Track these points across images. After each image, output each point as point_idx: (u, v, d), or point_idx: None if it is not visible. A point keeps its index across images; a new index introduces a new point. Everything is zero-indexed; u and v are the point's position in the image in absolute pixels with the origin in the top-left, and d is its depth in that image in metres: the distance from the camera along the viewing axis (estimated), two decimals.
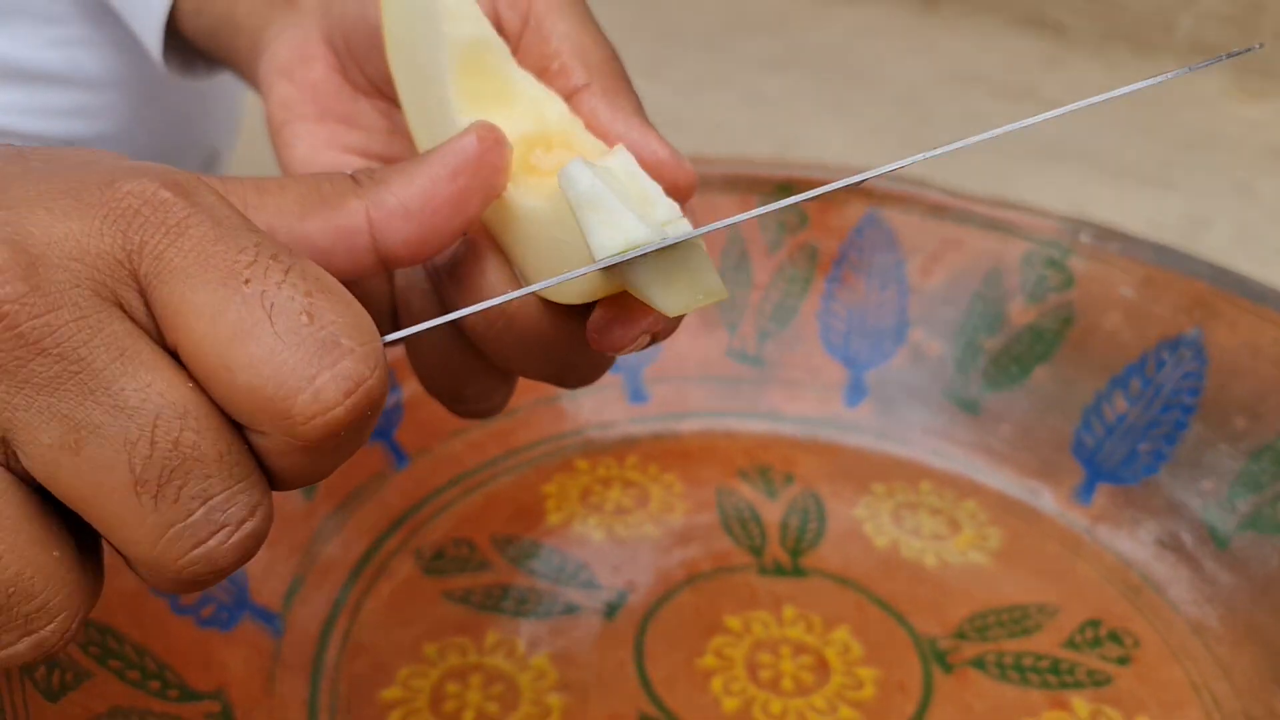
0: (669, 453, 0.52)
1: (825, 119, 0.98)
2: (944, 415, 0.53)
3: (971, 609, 0.45)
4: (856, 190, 0.54)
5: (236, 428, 0.23)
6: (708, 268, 0.26)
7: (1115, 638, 0.44)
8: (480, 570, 0.46)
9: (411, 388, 0.50)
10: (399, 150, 0.34)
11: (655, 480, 0.51)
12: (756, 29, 1.16)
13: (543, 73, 0.31)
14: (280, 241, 0.23)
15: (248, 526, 0.23)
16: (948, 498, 0.50)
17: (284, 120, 0.34)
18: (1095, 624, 0.44)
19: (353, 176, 0.27)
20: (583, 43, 0.31)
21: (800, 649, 0.43)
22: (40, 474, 0.22)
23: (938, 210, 0.54)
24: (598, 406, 0.53)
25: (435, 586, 0.45)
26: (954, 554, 0.47)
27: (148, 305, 0.22)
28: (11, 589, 0.21)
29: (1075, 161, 0.89)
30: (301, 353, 0.22)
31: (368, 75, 0.34)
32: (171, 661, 0.38)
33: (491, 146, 0.27)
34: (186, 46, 0.46)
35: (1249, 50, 0.27)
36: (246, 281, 0.22)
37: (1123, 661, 0.43)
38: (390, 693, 0.41)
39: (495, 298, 0.26)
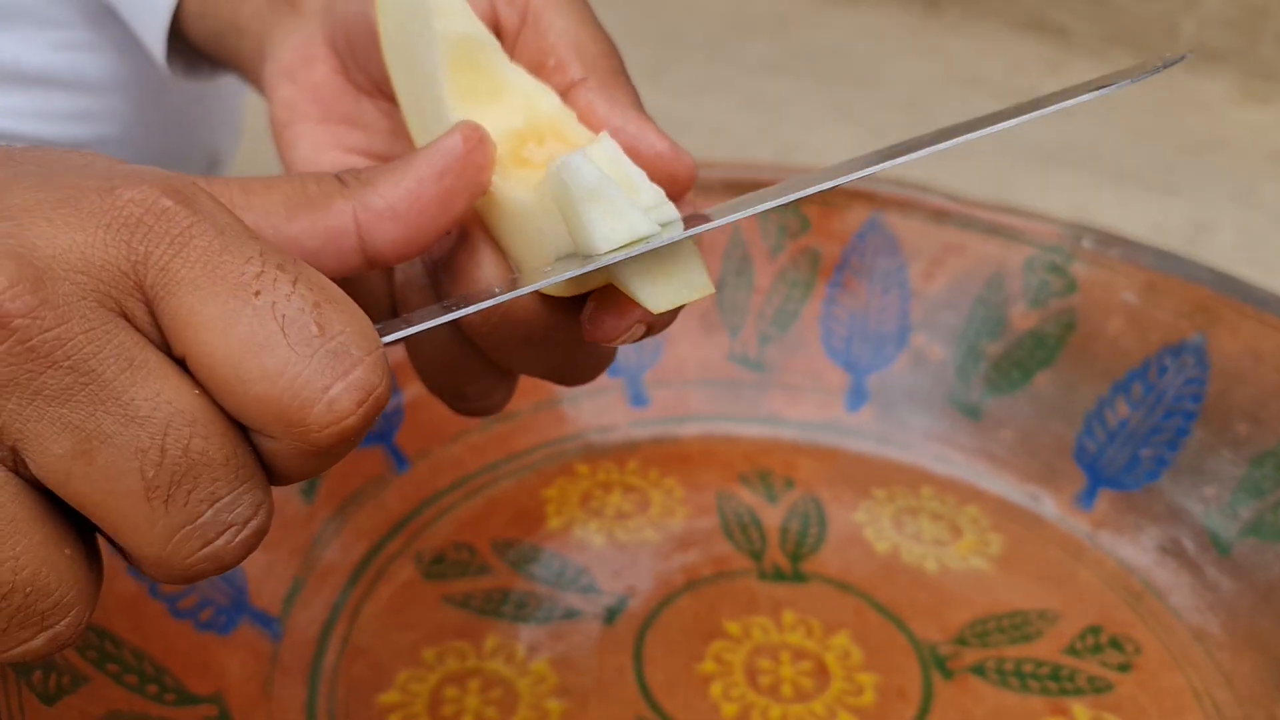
0: (669, 457, 0.52)
1: (826, 123, 0.98)
2: (945, 420, 0.53)
3: (972, 615, 0.45)
4: (859, 195, 0.54)
5: (241, 429, 0.23)
6: (695, 263, 0.26)
7: (1116, 644, 0.44)
8: (480, 574, 0.46)
9: (412, 392, 0.50)
10: (401, 150, 0.35)
11: (656, 485, 0.51)
12: (757, 32, 1.16)
13: (540, 68, 0.31)
14: (280, 248, 0.23)
15: (253, 524, 0.24)
16: (949, 503, 0.50)
17: (287, 121, 0.35)
18: (1096, 630, 0.44)
19: (339, 177, 0.27)
20: (580, 38, 0.31)
21: (800, 654, 0.42)
22: (51, 481, 0.22)
23: (940, 215, 0.54)
24: (598, 410, 0.53)
25: (435, 590, 0.45)
26: (955, 559, 0.47)
27: (153, 314, 0.23)
28: (29, 588, 0.22)
29: (1078, 166, 0.89)
30: (315, 365, 0.22)
31: (369, 75, 0.34)
32: (170, 665, 0.38)
33: (476, 145, 0.28)
34: (190, 49, 0.46)
35: (1180, 59, 0.27)
36: (257, 294, 0.22)
37: (1124, 668, 0.43)
38: (389, 697, 0.41)
39: (488, 293, 0.26)
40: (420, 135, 0.32)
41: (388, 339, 0.25)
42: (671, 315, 0.29)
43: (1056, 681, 0.42)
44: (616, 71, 0.31)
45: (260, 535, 0.24)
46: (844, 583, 0.46)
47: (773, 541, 0.48)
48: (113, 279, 0.22)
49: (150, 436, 0.22)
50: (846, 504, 0.50)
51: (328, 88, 0.35)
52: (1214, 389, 0.47)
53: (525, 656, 0.42)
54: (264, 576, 0.43)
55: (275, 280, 0.22)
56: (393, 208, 0.27)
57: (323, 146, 0.34)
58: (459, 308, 0.26)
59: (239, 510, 0.23)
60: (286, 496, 0.45)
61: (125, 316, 0.22)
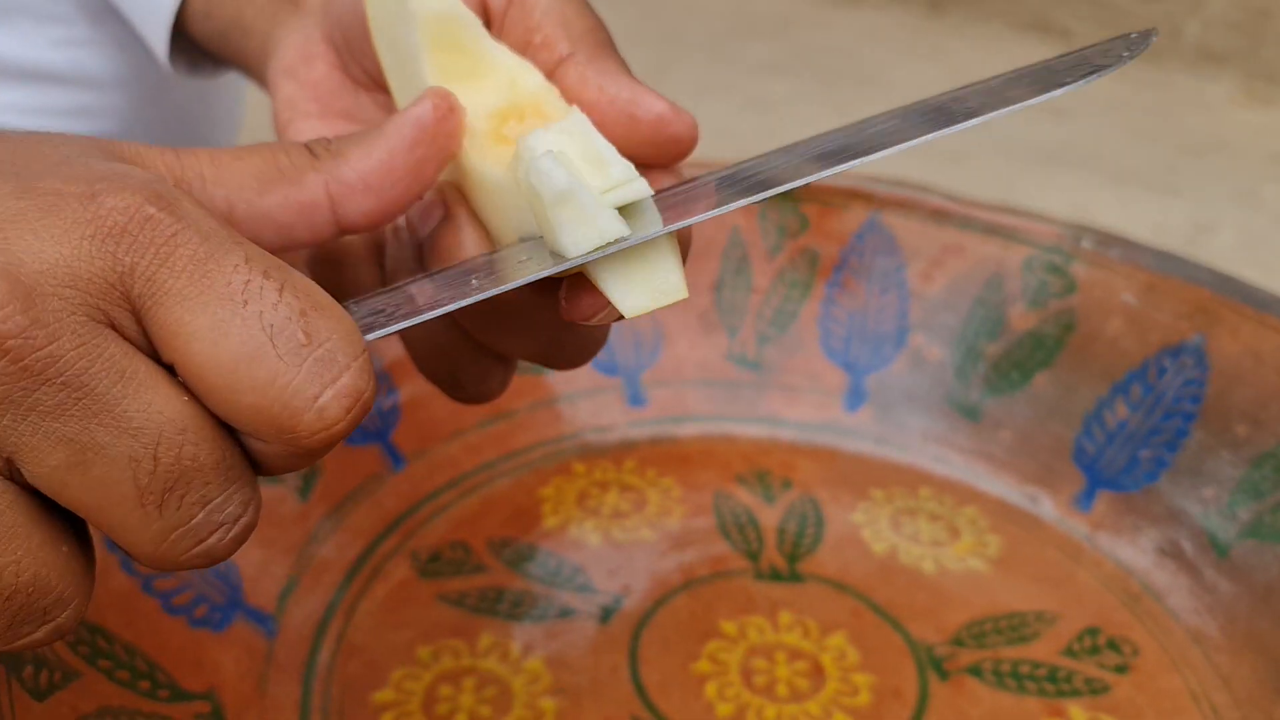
0: (667, 457, 0.52)
1: (829, 124, 0.98)
2: (944, 421, 0.52)
3: (969, 616, 0.44)
4: (858, 195, 0.54)
5: (230, 431, 0.24)
6: (670, 263, 0.26)
7: (1114, 646, 0.43)
8: (476, 573, 0.46)
9: (409, 391, 0.50)
10: None
11: (653, 484, 0.50)
12: (760, 34, 1.16)
13: (527, 46, 0.31)
14: (264, 252, 0.24)
15: (243, 521, 0.24)
16: (947, 504, 0.50)
17: (289, 119, 0.35)
18: (1094, 632, 0.44)
19: (309, 148, 0.28)
20: (565, 14, 0.31)
21: (796, 655, 0.42)
22: (47, 488, 0.23)
23: (939, 215, 0.53)
24: (596, 410, 0.53)
25: (430, 589, 0.45)
26: (953, 560, 0.47)
27: (140, 323, 0.23)
28: (30, 589, 0.23)
29: (1080, 167, 0.89)
30: (304, 374, 0.22)
31: (366, 69, 0.35)
32: (162, 661, 0.38)
33: (446, 114, 0.28)
34: (193, 48, 0.46)
35: (1149, 34, 0.27)
36: (244, 304, 0.22)
37: (1121, 670, 0.42)
38: (383, 695, 0.40)
39: (466, 287, 0.26)
40: None
41: (370, 337, 0.25)
42: None
43: (1054, 683, 0.42)
44: (603, 44, 0.31)
45: (250, 529, 0.24)
46: (841, 583, 0.46)
47: (770, 542, 0.48)
48: (100, 291, 0.22)
49: (143, 446, 0.22)
50: (844, 504, 0.50)
51: (326, 84, 0.35)
52: (1213, 390, 0.47)
53: (520, 655, 0.42)
54: (259, 574, 0.43)
55: (262, 289, 0.22)
56: (365, 180, 0.27)
57: None
58: (441, 304, 0.25)
59: (230, 509, 0.24)
60: (282, 495, 0.45)
61: (114, 327, 0.22)
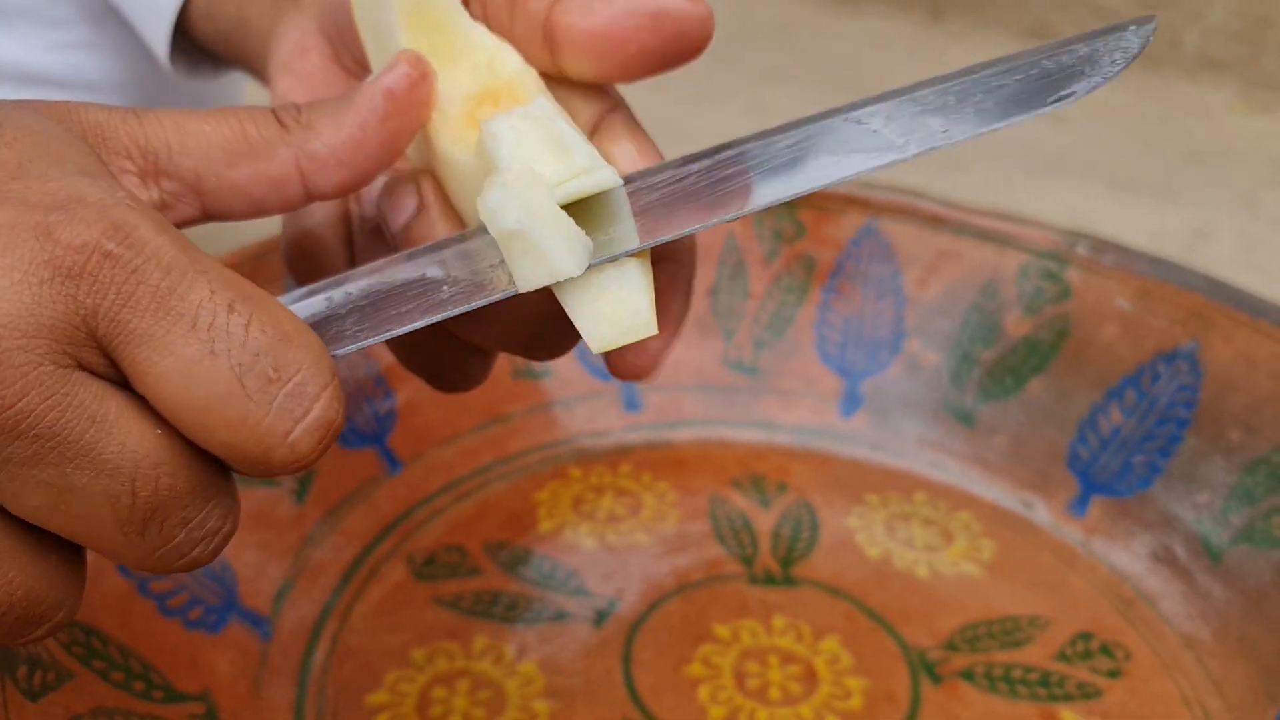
0: (662, 461, 0.52)
1: None
2: (939, 426, 0.52)
3: (963, 620, 0.44)
4: (854, 201, 0.54)
5: (204, 452, 0.24)
6: (638, 295, 0.25)
7: (1107, 651, 0.43)
8: (471, 576, 0.46)
9: (405, 395, 0.50)
10: None
11: (648, 488, 0.51)
12: (761, 39, 1.16)
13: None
14: (230, 275, 0.23)
15: (224, 531, 0.24)
16: (941, 509, 0.50)
17: None
18: (1087, 637, 0.44)
19: (278, 118, 0.27)
20: None
21: (788, 658, 0.42)
22: (29, 520, 0.23)
23: (935, 221, 0.54)
24: (591, 415, 0.53)
25: (426, 592, 0.45)
26: (946, 565, 0.47)
27: (110, 357, 0.23)
28: (25, 603, 0.23)
29: (1077, 173, 0.89)
30: (275, 412, 0.22)
31: (357, 58, 0.35)
32: (157, 663, 0.38)
33: (418, 81, 0.28)
34: (194, 49, 0.46)
35: (1150, 25, 0.26)
36: (212, 345, 0.22)
37: (1114, 675, 0.42)
38: (377, 697, 0.41)
39: (438, 299, 0.26)
40: None
41: (338, 352, 0.24)
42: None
43: (1046, 687, 0.42)
44: None
45: (232, 534, 0.25)
46: (835, 587, 0.46)
47: (764, 546, 0.48)
48: (65, 335, 0.22)
49: (120, 484, 0.22)
50: (839, 509, 0.50)
51: (321, 76, 0.35)
52: (1207, 396, 0.47)
53: (514, 658, 0.42)
54: (254, 576, 0.43)
55: (228, 326, 0.22)
56: (336, 154, 0.27)
57: None
58: (410, 318, 0.25)
59: (210, 524, 0.24)
60: (278, 497, 0.46)
61: (84, 367, 0.22)
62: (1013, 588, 0.46)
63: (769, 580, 0.46)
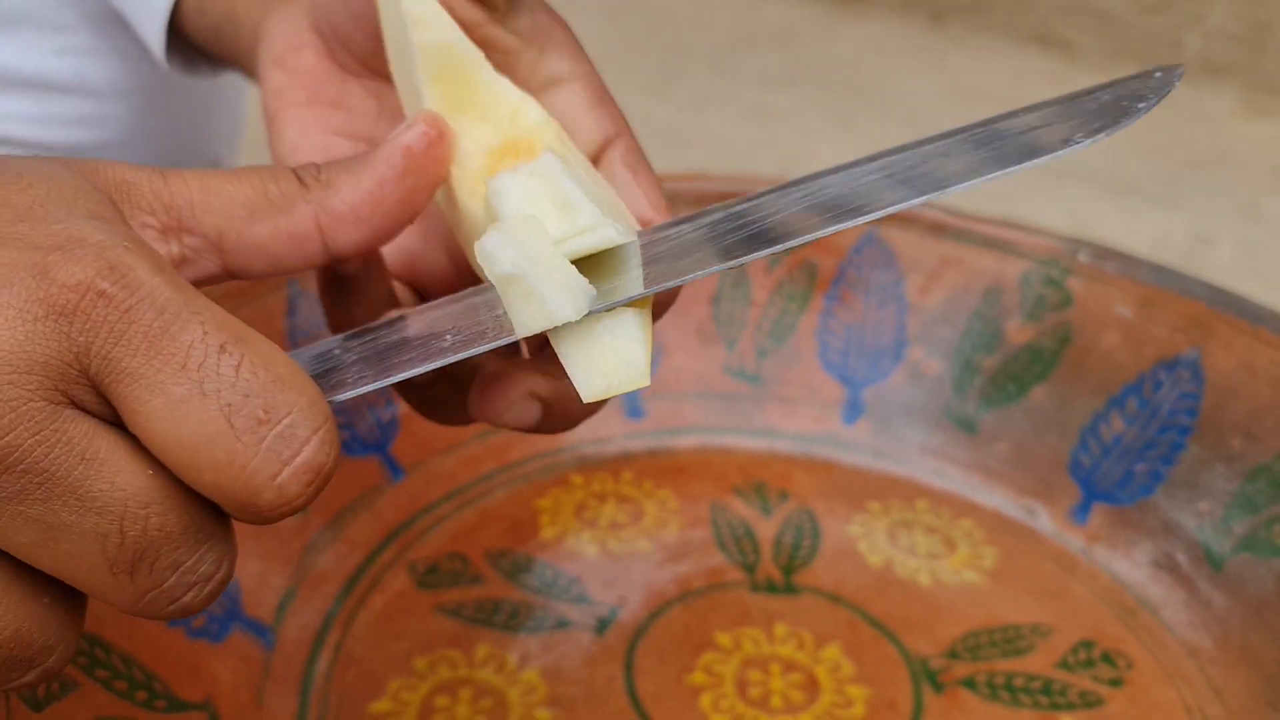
0: (664, 468, 0.52)
1: (830, 135, 0.98)
2: (941, 434, 0.53)
3: (965, 628, 0.45)
4: None
5: (198, 494, 0.23)
6: (634, 345, 0.25)
7: (1108, 659, 0.43)
8: (473, 584, 0.46)
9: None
10: (386, 130, 0.35)
11: (650, 496, 0.51)
12: (762, 45, 1.16)
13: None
14: (225, 317, 0.23)
15: (217, 578, 0.24)
16: (943, 516, 0.50)
17: (277, 109, 0.35)
18: (1089, 645, 0.44)
19: (298, 176, 0.27)
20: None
21: (790, 666, 0.42)
22: (19, 557, 0.23)
23: (937, 229, 0.54)
24: (593, 422, 0.53)
25: (428, 600, 0.45)
26: (948, 573, 0.47)
27: (102, 394, 0.23)
28: (14, 644, 0.23)
29: (1080, 180, 0.89)
30: (262, 454, 0.22)
31: (353, 55, 0.35)
32: (160, 672, 0.38)
33: (435, 140, 0.28)
34: (189, 46, 0.46)
35: (1177, 72, 0.27)
36: (201, 385, 0.22)
37: (1115, 683, 0.42)
38: (379, 705, 0.41)
39: (439, 348, 0.26)
40: None
41: (334, 399, 0.24)
42: (590, 408, 0.28)
43: (1048, 695, 0.42)
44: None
45: (226, 581, 0.24)
46: (836, 595, 0.46)
47: (766, 554, 0.48)
48: (57, 372, 0.22)
49: (109, 523, 0.22)
50: (840, 517, 0.50)
51: (314, 73, 0.35)
52: (1208, 404, 0.47)
53: (516, 666, 0.42)
54: (257, 585, 0.43)
55: (219, 367, 0.22)
56: (354, 211, 0.27)
57: (309, 130, 0.34)
58: (411, 365, 0.25)
59: (203, 569, 0.24)
60: None
61: (75, 404, 0.22)
62: (1014, 596, 0.46)
63: (771, 588, 0.46)
